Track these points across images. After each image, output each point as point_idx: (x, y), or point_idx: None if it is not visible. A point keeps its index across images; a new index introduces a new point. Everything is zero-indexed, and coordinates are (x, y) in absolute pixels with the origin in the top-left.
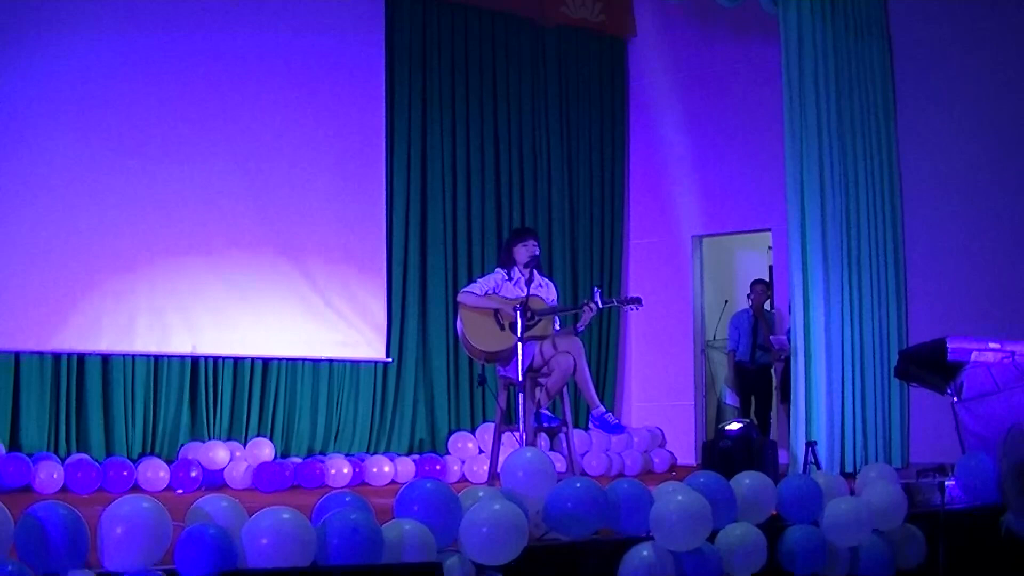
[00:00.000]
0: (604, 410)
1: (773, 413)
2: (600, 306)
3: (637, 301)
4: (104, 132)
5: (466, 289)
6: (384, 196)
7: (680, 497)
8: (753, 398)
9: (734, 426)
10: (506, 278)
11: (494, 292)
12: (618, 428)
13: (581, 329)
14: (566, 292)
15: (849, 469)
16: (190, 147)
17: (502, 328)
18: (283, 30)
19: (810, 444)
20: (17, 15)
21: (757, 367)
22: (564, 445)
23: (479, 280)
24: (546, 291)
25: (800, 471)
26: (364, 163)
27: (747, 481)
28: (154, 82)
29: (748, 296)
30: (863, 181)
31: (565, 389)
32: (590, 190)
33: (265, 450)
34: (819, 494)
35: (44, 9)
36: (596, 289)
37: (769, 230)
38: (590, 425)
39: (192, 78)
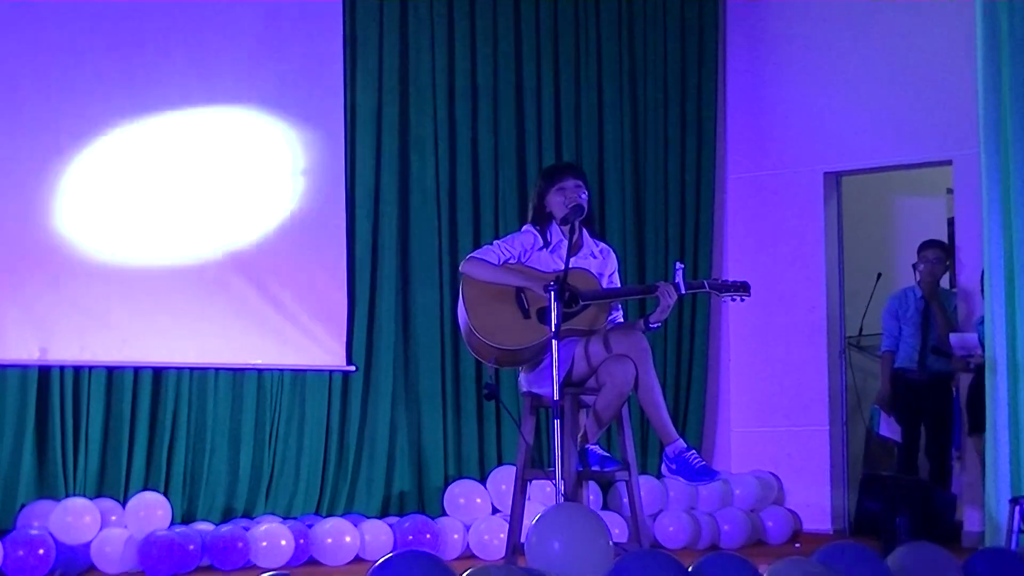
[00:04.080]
0: (685, 446)
1: (956, 452)
2: (683, 291)
3: (742, 288)
4: None
5: (476, 255)
6: (343, 127)
7: None
8: (923, 428)
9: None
10: (538, 241)
11: (519, 261)
12: (706, 474)
13: (656, 325)
14: (628, 267)
15: None
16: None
17: (527, 316)
18: None
19: (1017, 501)
20: None
21: (929, 379)
22: (625, 500)
23: (497, 243)
24: (600, 263)
25: (1003, 541)
26: (311, 76)
27: (914, 557)
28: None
29: (915, 267)
30: None
31: (626, 413)
32: (664, 115)
33: (157, 512)
34: None
35: None
36: (678, 266)
37: (950, 163)
38: (663, 470)
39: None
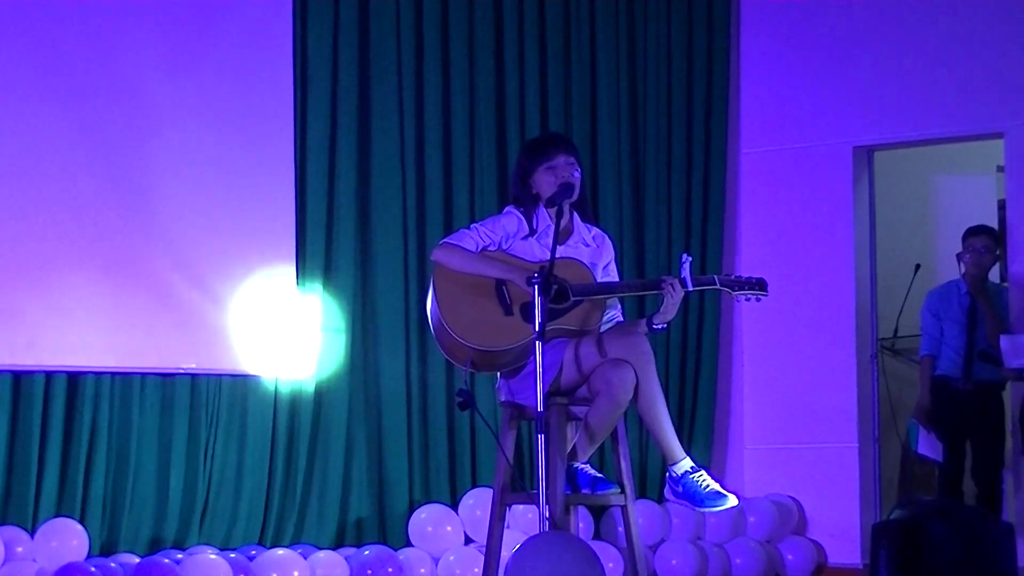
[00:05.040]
0: (693, 466)
1: (1007, 471)
2: (690, 287)
3: (758, 286)
4: None
5: (450, 240)
6: (292, 93)
7: None
8: (969, 445)
9: None
10: (523, 226)
11: (499, 248)
12: (717, 498)
13: (659, 327)
14: (625, 259)
15: None
16: None
17: (509, 312)
18: None
19: None
20: None
21: (976, 388)
22: (620, 529)
23: (475, 226)
24: (594, 251)
25: None
26: (255, 40)
27: None
28: None
29: (959, 257)
30: None
31: (622, 428)
32: (667, 80)
33: (72, 543)
34: None
35: None
36: (685, 259)
37: (1001, 136)
38: (667, 493)
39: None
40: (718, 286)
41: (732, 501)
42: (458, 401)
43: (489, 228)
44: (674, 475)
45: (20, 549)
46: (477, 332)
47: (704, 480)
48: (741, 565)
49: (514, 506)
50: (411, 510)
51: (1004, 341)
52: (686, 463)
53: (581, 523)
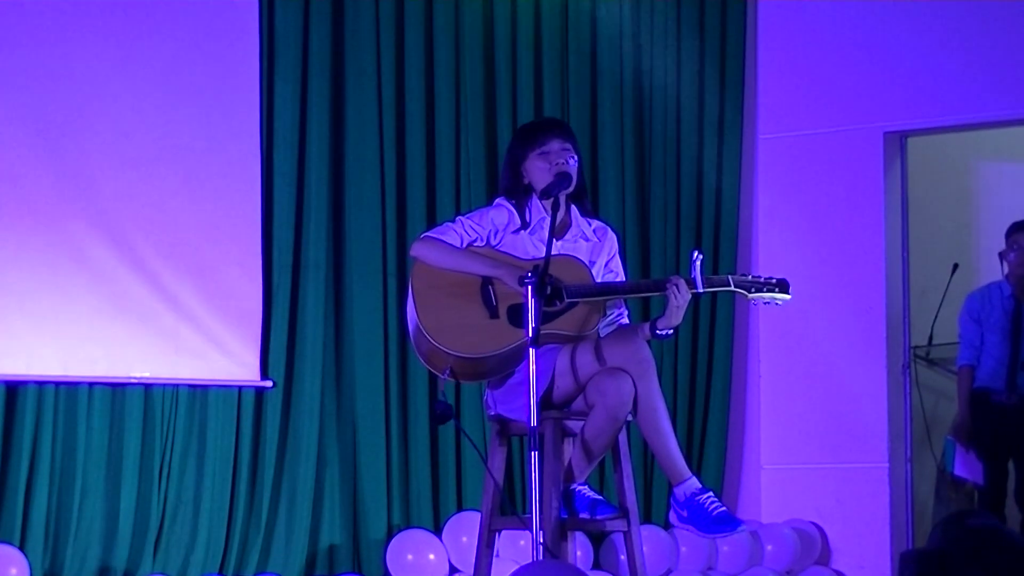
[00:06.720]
0: (699, 487)
1: None
2: (701, 288)
3: (777, 288)
4: None
5: (431, 234)
6: (257, 80)
7: None
8: (1013, 465)
9: None
10: (514, 220)
11: (487, 244)
12: (726, 523)
13: (665, 332)
14: (628, 257)
15: None
16: None
17: (494, 314)
18: None
19: None
20: None
21: (1020, 402)
22: (622, 557)
23: (461, 219)
24: (594, 247)
25: None
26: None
27: None
28: None
29: (1002, 256)
30: None
31: (624, 444)
32: (676, 53)
33: (11, 572)
34: None
35: None
36: (696, 256)
37: None
38: (671, 517)
39: None
40: (732, 287)
41: (743, 527)
42: (435, 414)
43: (476, 221)
44: (678, 497)
45: None
46: (456, 337)
47: (711, 502)
48: None
49: (504, 532)
50: (389, 536)
51: None
52: (692, 483)
53: (579, 551)
